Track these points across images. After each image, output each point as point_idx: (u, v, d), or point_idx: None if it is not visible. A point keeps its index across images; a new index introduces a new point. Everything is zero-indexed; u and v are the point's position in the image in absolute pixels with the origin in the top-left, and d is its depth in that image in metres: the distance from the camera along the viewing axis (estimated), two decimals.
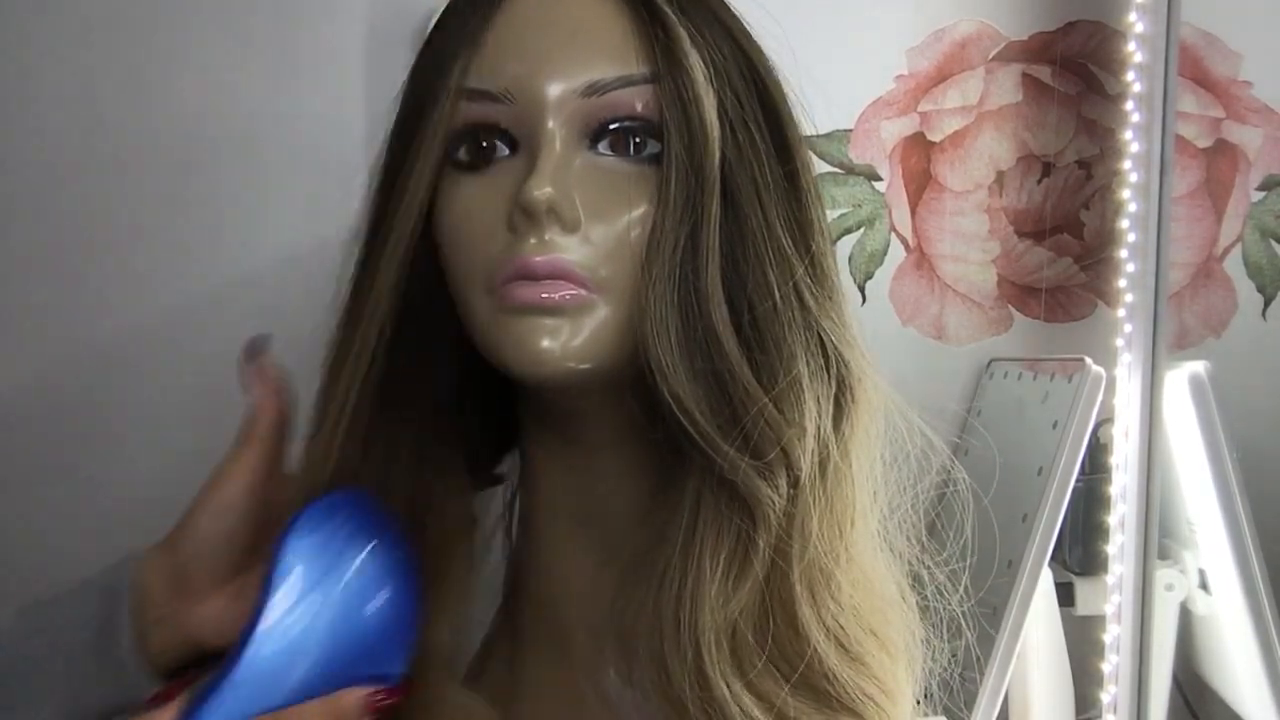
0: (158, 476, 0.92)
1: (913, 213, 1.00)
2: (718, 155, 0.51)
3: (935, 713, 0.61)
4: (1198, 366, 0.86)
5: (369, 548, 0.50)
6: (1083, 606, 0.88)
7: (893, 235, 1.00)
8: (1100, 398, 0.82)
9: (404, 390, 0.55)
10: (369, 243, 0.55)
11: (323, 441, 0.54)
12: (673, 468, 0.52)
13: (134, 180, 0.91)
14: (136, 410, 0.92)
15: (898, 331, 1.00)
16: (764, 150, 0.53)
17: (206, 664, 0.50)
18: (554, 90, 0.51)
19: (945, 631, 0.58)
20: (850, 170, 0.99)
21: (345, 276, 0.56)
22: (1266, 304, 1.00)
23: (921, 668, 0.57)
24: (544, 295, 0.49)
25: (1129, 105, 0.87)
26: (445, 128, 0.52)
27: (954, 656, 0.59)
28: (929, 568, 0.58)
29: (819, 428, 0.51)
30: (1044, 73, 0.99)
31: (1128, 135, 0.87)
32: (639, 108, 0.51)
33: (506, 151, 0.52)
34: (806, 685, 0.50)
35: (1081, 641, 0.87)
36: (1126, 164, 0.87)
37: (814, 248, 0.53)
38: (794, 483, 0.50)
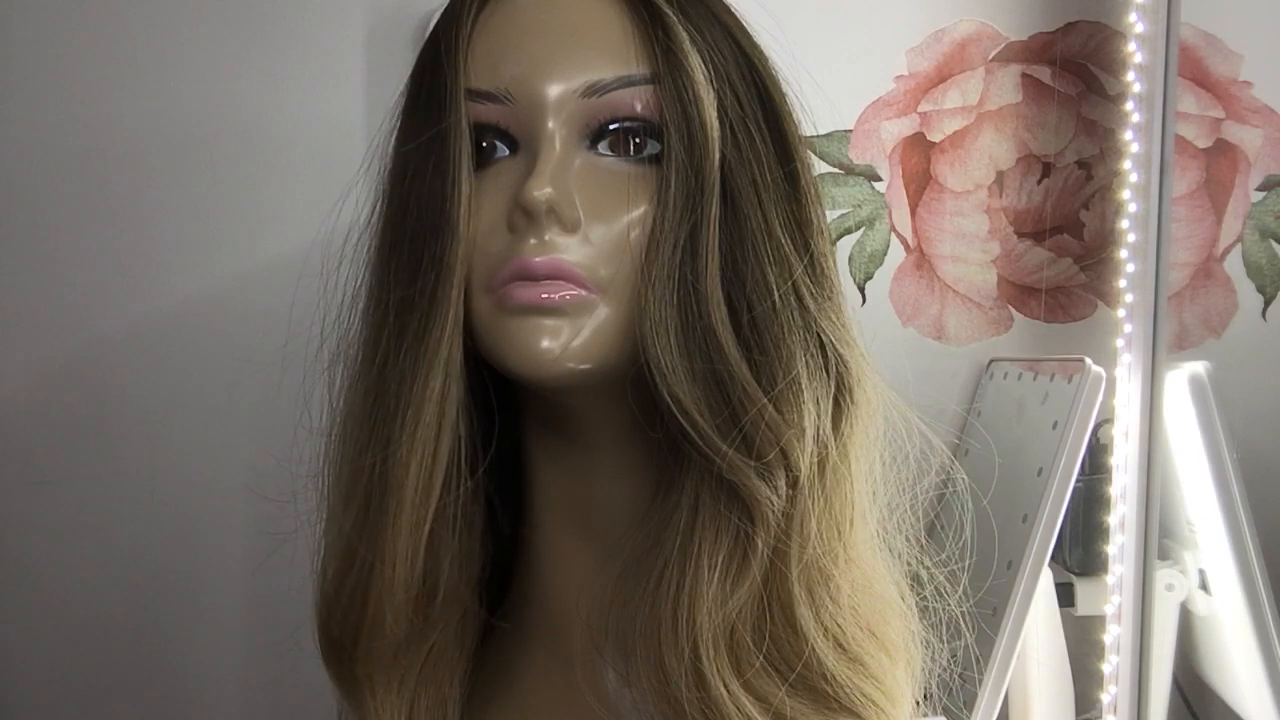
0: (158, 476, 0.92)
1: (913, 213, 1.00)
2: (718, 155, 0.51)
3: (935, 713, 0.61)
4: (1198, 367, 0.87)
5: None
6: (1083, 607, 0.88)
7: (893, 235, 1.00)
8: (1100, 398, 0.81)
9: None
10: (396, 245, 0.53)
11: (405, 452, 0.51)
12: (671, 468, 0.52)
13: (134, 180, 0.91)
14: (137, 410, 0.92)
15: (898, 332, 1.00)
16: (764, 150, 0.53)
17: None
18: (554, 91, 0.51)
19: (945, 632, 0.58)
20: (850, 170, 0.99)
21: (342, 278, 0.56)
22: (1266, 304, 1.00)
23: (921, 668, 0.57)
24: (544, 296, 0.49)
25: (1129, 105, 0.87)
26: (468, 126, 0.51)
27: (954, 657, 0.59)
28: (928, 568, 0.58)
29: (818, 428, 0.51)
30: (1044, 73, 0.99)
31: (1128, 135, 0.87)
32: (639, 108, 0.51)
33: (506, 152, 0.52)
34: (804, 685, 0.50)
35: (1081, 642, 0.87)
36: (1126, 164, 0.87)
37: (813, 248, 0.53)
38: (793, 483, 0.50)
